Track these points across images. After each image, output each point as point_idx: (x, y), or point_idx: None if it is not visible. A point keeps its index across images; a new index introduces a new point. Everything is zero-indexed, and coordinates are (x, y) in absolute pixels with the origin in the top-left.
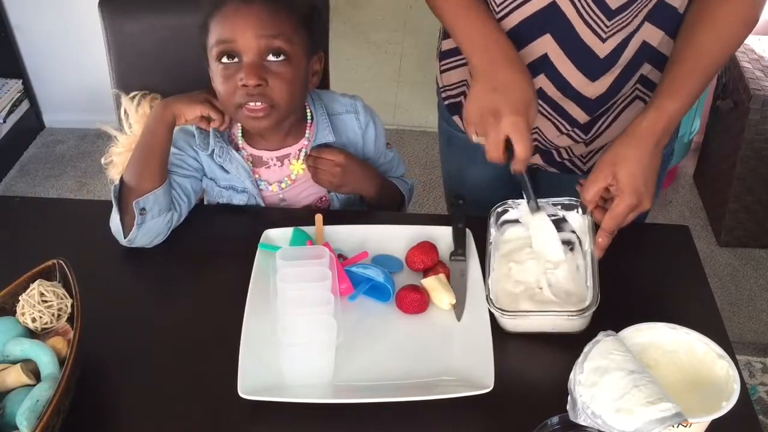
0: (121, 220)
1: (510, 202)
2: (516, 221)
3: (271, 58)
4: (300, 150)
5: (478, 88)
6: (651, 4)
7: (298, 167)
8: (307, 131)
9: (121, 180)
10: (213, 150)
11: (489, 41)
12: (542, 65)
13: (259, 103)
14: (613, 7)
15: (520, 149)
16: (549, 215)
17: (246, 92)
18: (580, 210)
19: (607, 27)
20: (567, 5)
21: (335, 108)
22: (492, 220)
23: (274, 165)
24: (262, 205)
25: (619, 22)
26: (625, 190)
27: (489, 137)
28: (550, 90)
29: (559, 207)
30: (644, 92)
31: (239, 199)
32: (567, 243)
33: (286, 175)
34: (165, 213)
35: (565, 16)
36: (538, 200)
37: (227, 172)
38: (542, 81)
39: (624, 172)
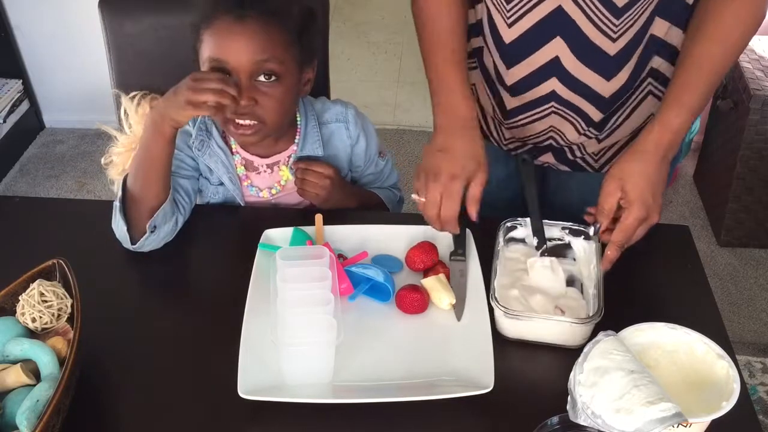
0: (128, 231)
1: (520, 219)
2: (522, 240)
3: (261, 78)
4: (289, 156)
5: (426, 148)
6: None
7: (287, 174)
8: (297, 137)
9: (124, 190)
10: (193, 142)
11: (450, 102)
12: (553, 68)
13: (247, 121)
14: (620, 5)
15: (455, 209)
16: (555, 239)
17: (236, 109)
18: (586, 236)
19: (616, 26)
20: (573, 9)
21: (325, 117)
22: (500, 233)
23: (264, 171)
24: (242, 204)
25: (628, 19)
26: (634, 203)
27: (427, 195)
28: (564, 92)
29: (567, 231)
30: (656, 87)
31: (231, 195)
32: (569, 279)
33: (276, 181)
34: (170, 219)
35: (572, 19)
36: (547, 221)
37: (210, 168)
38: (554, 84)
39: (631, 185)
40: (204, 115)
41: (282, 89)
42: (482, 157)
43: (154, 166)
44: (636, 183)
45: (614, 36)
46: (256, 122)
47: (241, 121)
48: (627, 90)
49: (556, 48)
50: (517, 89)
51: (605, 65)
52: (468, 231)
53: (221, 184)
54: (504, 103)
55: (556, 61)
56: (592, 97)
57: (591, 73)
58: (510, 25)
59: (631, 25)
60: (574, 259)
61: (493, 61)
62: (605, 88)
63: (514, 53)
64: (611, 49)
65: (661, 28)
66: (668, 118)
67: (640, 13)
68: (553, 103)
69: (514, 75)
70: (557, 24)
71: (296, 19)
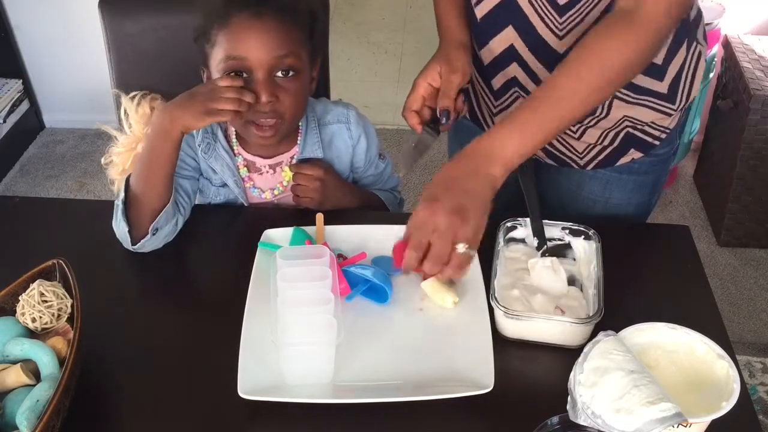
0: (129, 232)
1: (520, 219)
2: (522, 240)
3: (280, 74)
4: (292, 157)
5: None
6: (602, 2)
7: (289, 174)
8: (299, 138)
9: (127, 191)
10: (200, 145)
11: (445, 29)
12: (511, 55)
13: (269, 120)
14: (561, 3)
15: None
16: (555, 239)
17: (256, 108)
18: (586, 236)
19: (560, 23)
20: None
21: (327, 118)
22: (500, 233)
23: (267, 172)
24: (245, 205)
25: (572, 18)
26: (423, 195)
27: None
28: (524, 79)
29: (567, 232)
30: (620, 90)
31: (234, 196)
32: (569, 279)
33: (278, 182)
34: (171, 220)
35: (521, 9)
36: (547, 221)
37: (215, 171)
38: (515, 69)
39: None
40: (221, 121)
41: (299, 84)
42: (460, 62)
43: (159, 168)
44: (435, 177)
45: (560, 33)
46: (276, 120)
47: (263, 121)
48: None
49: (510, 37)
50: (487, 73)
51: (555, 62)
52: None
53: (223, 185)
54: (491, 85)
55: (512, 48)
56: None
57: (542, 68)
58: (475, 5)
59: (577, 24)
60: (574, 259)
61: (472, 42)
62: None
63: (481, 34)
64: (559, 46)
65: None
66: (508, 149)
67: (584, 13)
68: (516, 89)
69: (483, 58)
70: (509, 12)
71: (306, 16)
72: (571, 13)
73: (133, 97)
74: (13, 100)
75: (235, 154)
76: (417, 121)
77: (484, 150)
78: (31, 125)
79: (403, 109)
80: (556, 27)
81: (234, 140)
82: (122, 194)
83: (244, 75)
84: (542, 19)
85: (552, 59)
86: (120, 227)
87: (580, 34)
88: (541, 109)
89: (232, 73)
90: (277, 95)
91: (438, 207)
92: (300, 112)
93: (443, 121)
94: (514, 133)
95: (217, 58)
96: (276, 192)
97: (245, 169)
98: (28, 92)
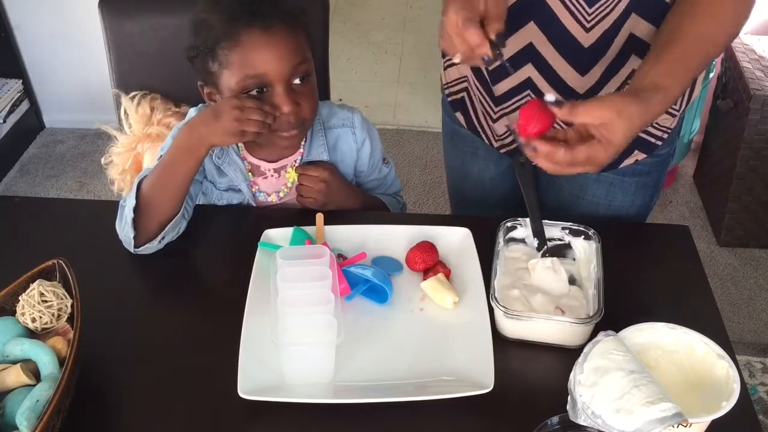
0: (134, 237)
1: (520, 219)
2: (522, 240)
3: (297, 81)
4: (296, 160)
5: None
6: None
7: (293, 175)
8: (303, 141)
9: (138, 198)
10: (213, 150)
11: None
12: (529, 54)
13: (294, 130)
14: None
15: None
16: (555, 239)
17: (279, 119)
18: (587, 236)
19: (589, 15)
20: None
21: (332, 121)
22: (500, 233)
23: (272, 176)
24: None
25: (601, 9)
26: (611, 146)
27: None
28: (539, 81)
29: (567, 232)
30: None
31: (238, 200)
32: (569, 279)
33: (282, 184)
34: (177, 226)
35: (547, 3)
36: (547, 221)
37: (225, 174)
38: (530, 70)
39: (622, 128)
40: (246, 140)
41: (312, 85)
42: None
43: (179, 181)
44: (626, 131)
45: (587, 26)
46: (299, 124)
47: (287, 126)
48: (601, 87)
49: (531, 34)
50: (491, 77)
51: (580, 58)
52: (468, 231)
53: (228, 189)
54: (492, 91)
55: (530, 47)
56: (567, 90)
57: (566, 65)
58: None
59: (605, 16)
60: (574, 259)
61: None
62: (580, 83)
63: None
64: (585, 40)
65: (641, 28)
66: (671, 90)
67: (613, 4)
68: (529, 92)
69: None
70: (532, 8)
71: (303, 15)
72: (602, 3)
73: (133, 97)
74: (13, 100)
75: (240, 158)
76: (483, 37)
77: (659, 111)
78: (31, 125)
79: (451, 26)
80: (585, 18)
81: (239, 144)
82: (133, 201)
83: (265, 90)
84: (570, 11)
85: (577, 54)
86: (125, 231)
87: (608, 26)
88: (688, 59)
89: (253, 91)
90: (298, 102)
91: (604, 162)
92: (317, 108)
93: (500, 43)
94: (677, 85)
95: (232, 79)
96: (281, 194)
97: (250, 173)
98: (28, 92)
